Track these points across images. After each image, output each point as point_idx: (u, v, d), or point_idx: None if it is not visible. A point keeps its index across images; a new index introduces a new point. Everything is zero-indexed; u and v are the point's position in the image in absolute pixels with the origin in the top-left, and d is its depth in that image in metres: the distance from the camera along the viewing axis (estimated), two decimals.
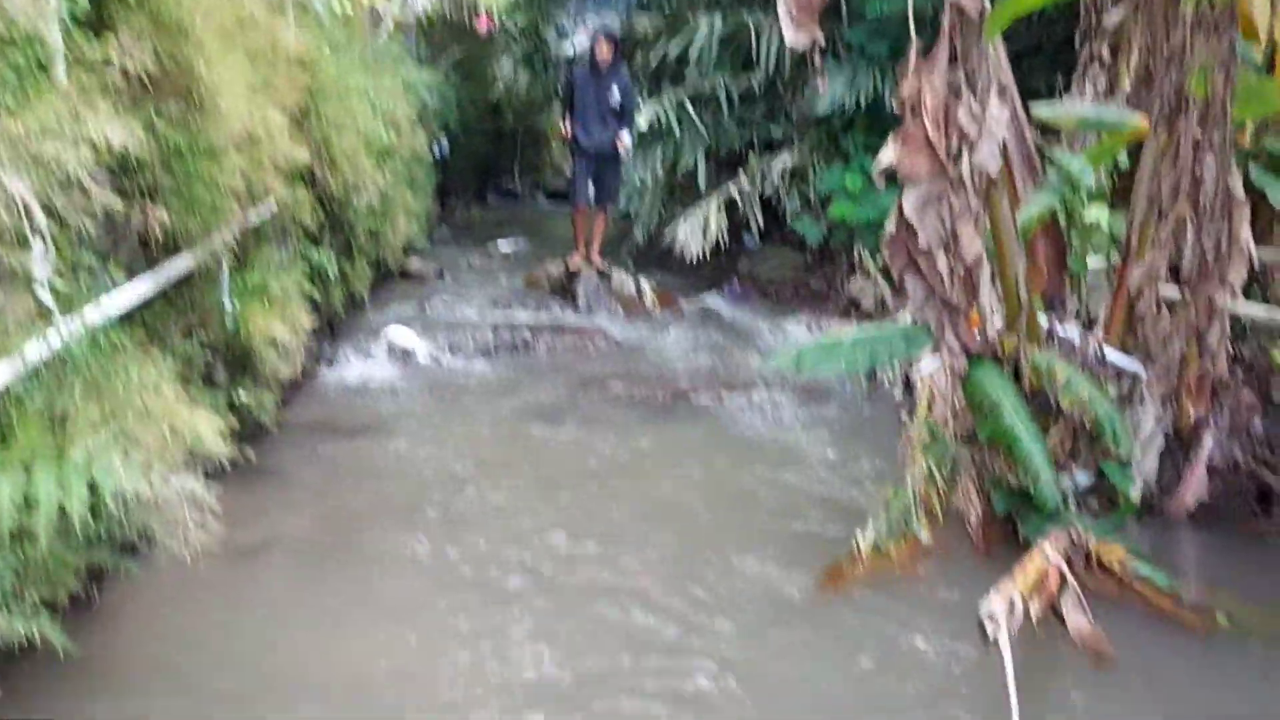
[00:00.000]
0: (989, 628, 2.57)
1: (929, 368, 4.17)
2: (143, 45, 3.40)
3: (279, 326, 4.44)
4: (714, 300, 9.38)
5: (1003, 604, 2.64)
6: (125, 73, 3.38)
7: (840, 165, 9.38)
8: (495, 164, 18.43)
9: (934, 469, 3.83)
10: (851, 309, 8.74)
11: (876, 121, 9.35)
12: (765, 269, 10.30)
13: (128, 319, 3.64)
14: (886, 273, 8.89)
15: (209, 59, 3.64)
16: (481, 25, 16.95)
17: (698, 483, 4.54)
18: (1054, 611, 3.00)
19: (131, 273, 3.70)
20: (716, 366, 6.90)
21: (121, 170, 3.40)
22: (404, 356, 6.68)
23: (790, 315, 8.75)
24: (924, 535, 3.66)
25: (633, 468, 4.73)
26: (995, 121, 3.82)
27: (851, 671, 3.01)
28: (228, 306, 4.43)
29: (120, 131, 3.05)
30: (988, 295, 3.88)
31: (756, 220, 9.47)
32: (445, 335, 7.12)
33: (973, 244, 3.81)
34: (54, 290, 2.87)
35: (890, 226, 3.86)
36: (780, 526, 4.07)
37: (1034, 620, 2.85)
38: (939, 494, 3.82)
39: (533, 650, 3.07)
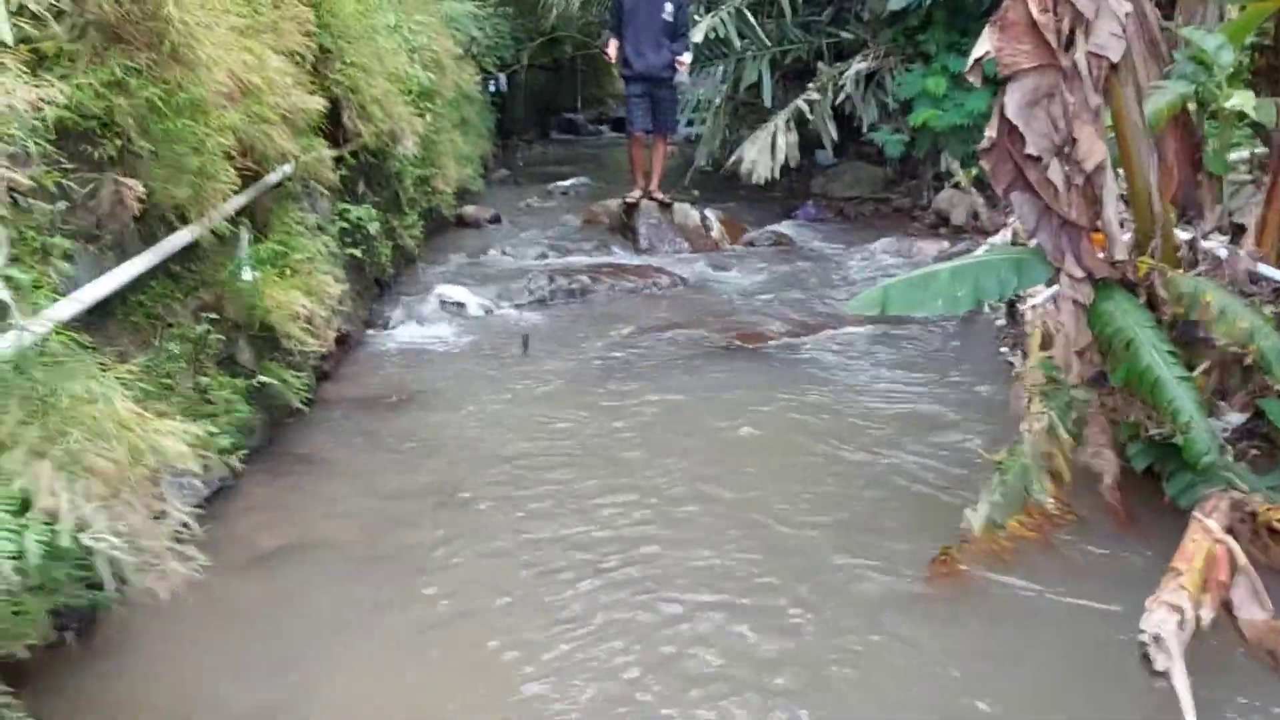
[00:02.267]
0: (1157, 657, 2.01)
1: (1042, 298, 3.54)
2: None
3: (301, 298, 4.00)
4: (787, 226, 8.74)
5: (1170, 618, 2.08)
6: (82, 20, 2.93)
7: (920, 67, 8.58)
8: (556, 97, 17.89)
9: (1055, 420, 3.22)
10: (941, 225, 8.04)
11: (957, 16, 8.50)
12: (841, 187, 9.61)
13: (121, 304, 3.25)
14: (979, 183, 8.14)
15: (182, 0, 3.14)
16: None
17: (783, 454, 3.95)
18: (1224, 605, 2.41)
19: (123, 253, 3.31)
20: (794, 303, 6.30)
21: (86, 136, 2.97)
22: (456, 311, 6.24)
23: (873, 236, 8.07)
24: (1049, 503, 3.07)
25: (706, 435, 4.18)
26: None
27: (972, 697, 2.48)
28: (247, 277, 4.01)
29: (67, 90, 2.59)
30: (1113, 208, 3.22)
31: (830, 134, 8.75)
32: (499, 285, 6.67)
33: (1094, 147, 3.14)
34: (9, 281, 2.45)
35: (991, 132, 3.21)
36: (879, 503, 3.51)
37: (1203, 625, 2.27)
38: (1063, 450, 3.22)
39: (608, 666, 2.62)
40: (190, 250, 3.70)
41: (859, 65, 8.81)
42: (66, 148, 2.91)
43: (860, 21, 9.16)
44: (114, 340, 3.14)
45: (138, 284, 3.31)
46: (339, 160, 5.55)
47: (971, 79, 3.21)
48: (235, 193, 3.91)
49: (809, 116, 8.64)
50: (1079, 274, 3.18)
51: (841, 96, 8.75)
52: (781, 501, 3.53)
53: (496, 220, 9.17)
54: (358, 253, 5.70)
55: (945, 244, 7.54)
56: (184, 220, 3.38)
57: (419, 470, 3.90)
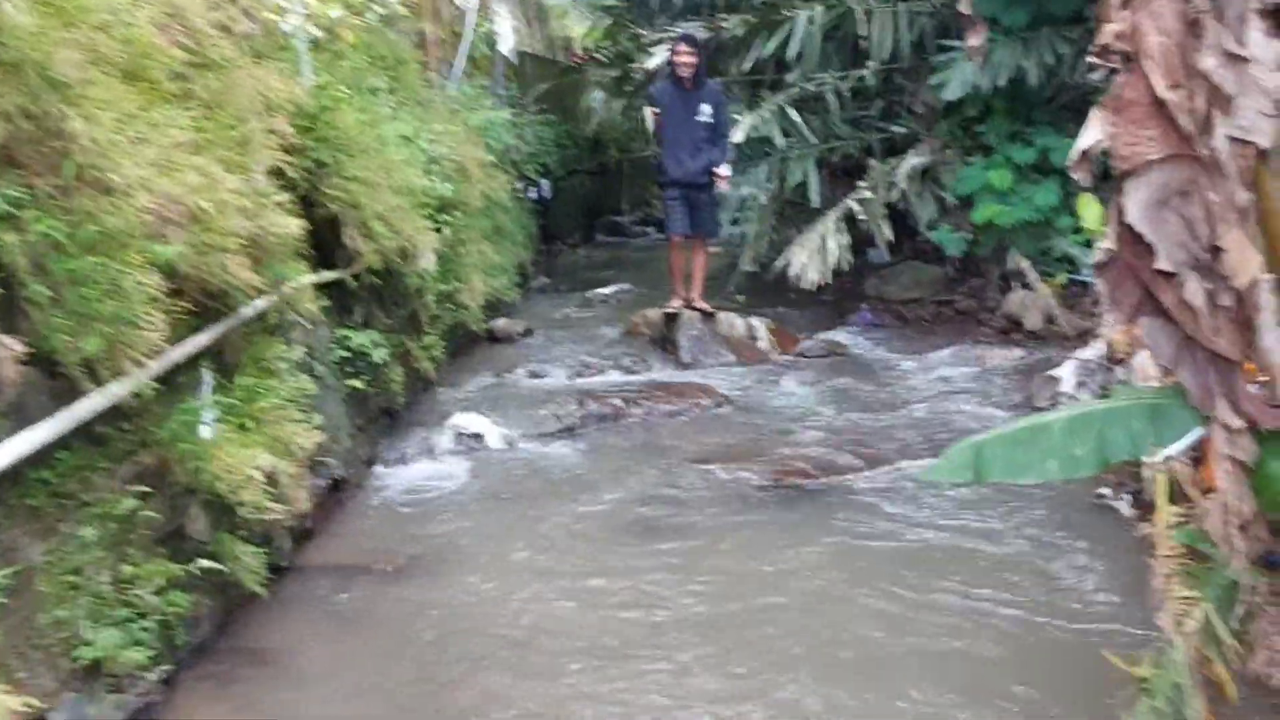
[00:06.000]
0: None
1: (1176, 450, 2.76)
2: None
3: (262, 455, 3.35)
4: (841, 333, 8.01)
5: None
6: None
7: (981, 160, 7.91)
8: (601, 201, 17.62)
9: (1213, 615, 2.41)
10: (1013, 330, 7.24)
11: (1019, 104, 7.88)
12: (898, 288, 8.86)
13: (13, 484, 2.62)
14: (1059, 287, 7.38)
15: (92, 114, 2.59)
16: (574, 60, 16.14)
17: (855, 648, 3.17)
18: None
19: (25, 419, 2.69)
20: (855, 427, 5.53)
21: None
22: (473, 444, 5.58)
23: (937, 343, 7.30)
24: None
25: (765, 620, 3.39)
26: (1262, 65, 2.42)
27: None
28: (206, 434, 3.38)
29: None
30: (1275, 335, 2.45)
31: (884, 234, 8.06)
32: (523, 411, 6.00)
33: (1245, 257, 2.40)
34: None
35: (1107, 243, 2.49)
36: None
37: None
38: (1225, 658, 2.40)
39: None
40: (125, 406, 3.08)
41: (913, 160, 8.17)
42: None
43: (913, 114, 8.57)
44: None
45: (39, 458, 2.68)
46: (337, 284, 5.00)
47: (1078, 175, 2.51)
48: (187, 333, 3.33)
49: (861, 216, 7.98)
50: (1237, 424, 2.41)
51: (895, 193, 8.10)
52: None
53: (529, 334, 8.58)
54: (359, 384, 5.10)
55: (1020, 352, 6.76)
56: (95, 377, 2.76)
57: (409, 679, 3.14)
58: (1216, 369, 2.44)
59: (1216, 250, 2.41)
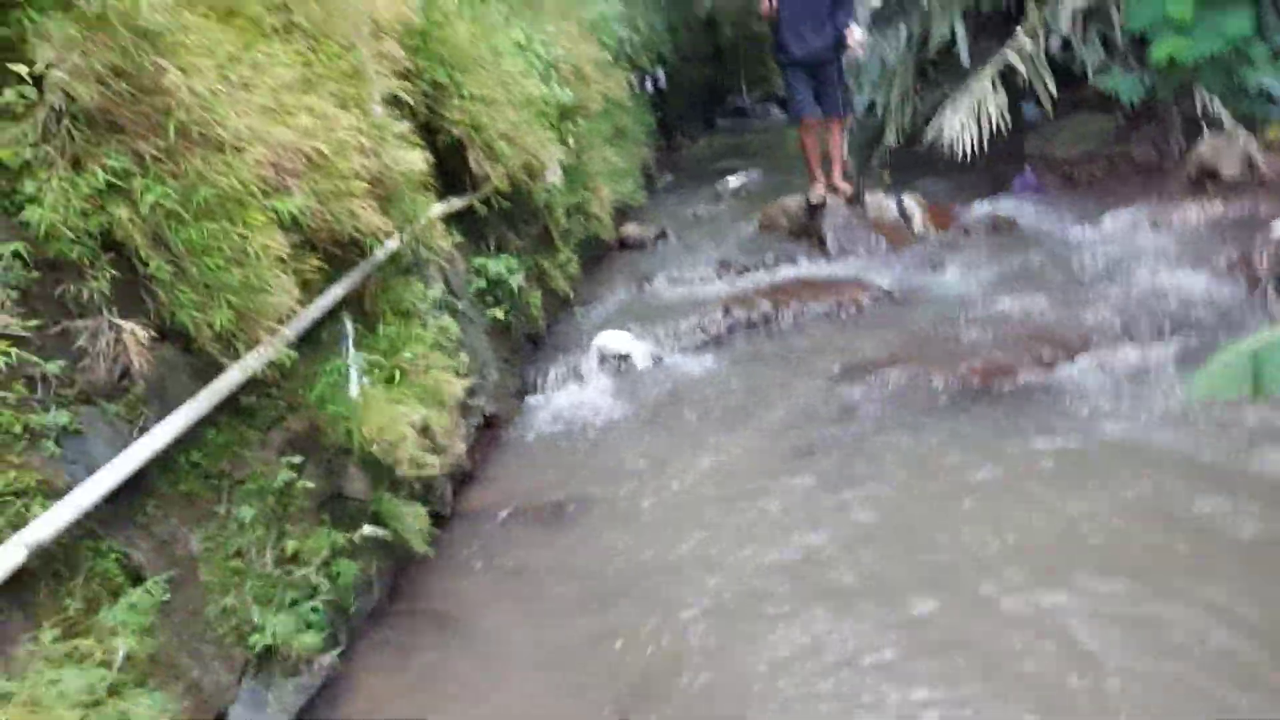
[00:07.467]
0: None
1: None
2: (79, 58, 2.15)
3: (415, 409, 3.16)
4: (1002, 203, 7.33)
5: None
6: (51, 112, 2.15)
7: None
8: (720, 84, 16.92)
9: None
10: (1206, 180, 6.42)
11: None
12: (1062, 145, 8.04)
13: (163, 471, 2.48)
14: (1250, 121, 6.49)
15: (189, 63, 2.33)
16: None
17: (1078, 588, 2.78)
18: None
19: (164, 402, 2.54)
20: (1035, 315, 4.99)
21: (66, 267, 2.20)
22: (619, 365, 5.33)
23: (1115, 204, 6.56)
24: None
25: (952, 561, 3.04)
26: None
27: None
28: (354, 392, 3.21)
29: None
30: None
31: (1046, 86, 7.25)
32: (667, 324, 5.67)
33: None
34: None
35: None
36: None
37: None
38: None
39: None
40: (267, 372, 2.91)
41: (1075, 2, 7.27)
42: (43, 289, 2.15)
43: None
44: (152, 527, 2.37)
45: (187, 439, 2.53)
46: (466, 211, 4.75)
47: None
48: (320, 286, 3.13)
49: (1019, 69, 7.18)
50: None
51: (1056, 41, 7.25)
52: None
53: (663, 237, 8.20)
54: (500, 314, 4.88)
55: (1219, 205, 5.99)
56: (231, 349, 2.57)
57: (589, 637, 2.94)
58: None
59: None
